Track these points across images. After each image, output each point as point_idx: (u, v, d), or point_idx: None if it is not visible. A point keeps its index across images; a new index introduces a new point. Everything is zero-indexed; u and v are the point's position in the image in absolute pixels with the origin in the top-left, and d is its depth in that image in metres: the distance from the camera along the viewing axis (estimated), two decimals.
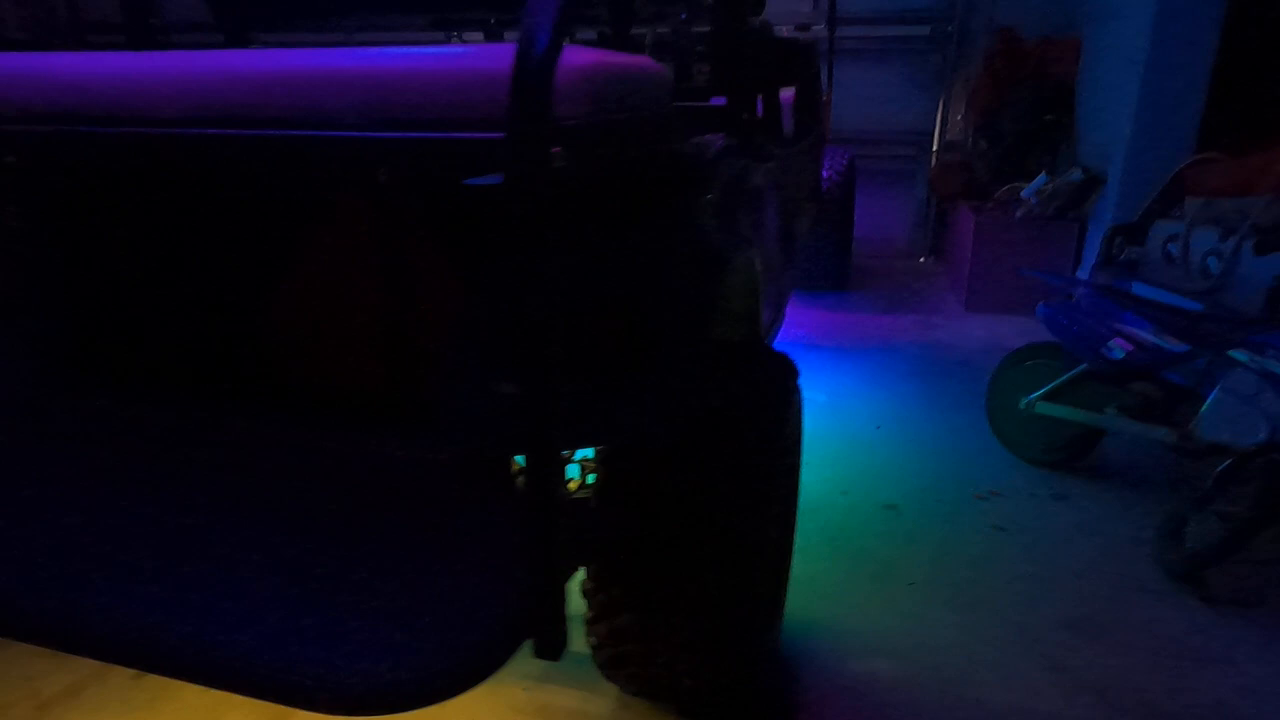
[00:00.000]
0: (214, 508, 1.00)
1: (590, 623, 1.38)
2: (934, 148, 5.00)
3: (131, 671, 1.58)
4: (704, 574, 1.29)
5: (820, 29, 4.34)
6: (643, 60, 1.27)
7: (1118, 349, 2.24)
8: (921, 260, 5.20)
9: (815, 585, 1.99)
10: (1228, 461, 2.02)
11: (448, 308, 1.15)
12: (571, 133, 0.95)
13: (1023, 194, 3.77)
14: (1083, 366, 2.37)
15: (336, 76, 0.95)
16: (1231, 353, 2.06)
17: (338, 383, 1.22)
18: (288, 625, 0.78)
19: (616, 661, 1.40)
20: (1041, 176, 3.78)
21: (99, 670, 1.65)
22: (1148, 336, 2.20)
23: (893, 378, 3.28)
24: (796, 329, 3.87)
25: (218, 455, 1.12)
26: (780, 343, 3.61)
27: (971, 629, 1.85)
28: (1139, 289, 2.49)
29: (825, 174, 4.02)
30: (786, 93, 2.73)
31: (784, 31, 4.42)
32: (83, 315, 1.34)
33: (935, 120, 4.97)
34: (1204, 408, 2.09)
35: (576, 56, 1.00)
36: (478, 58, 0.94)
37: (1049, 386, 2.46)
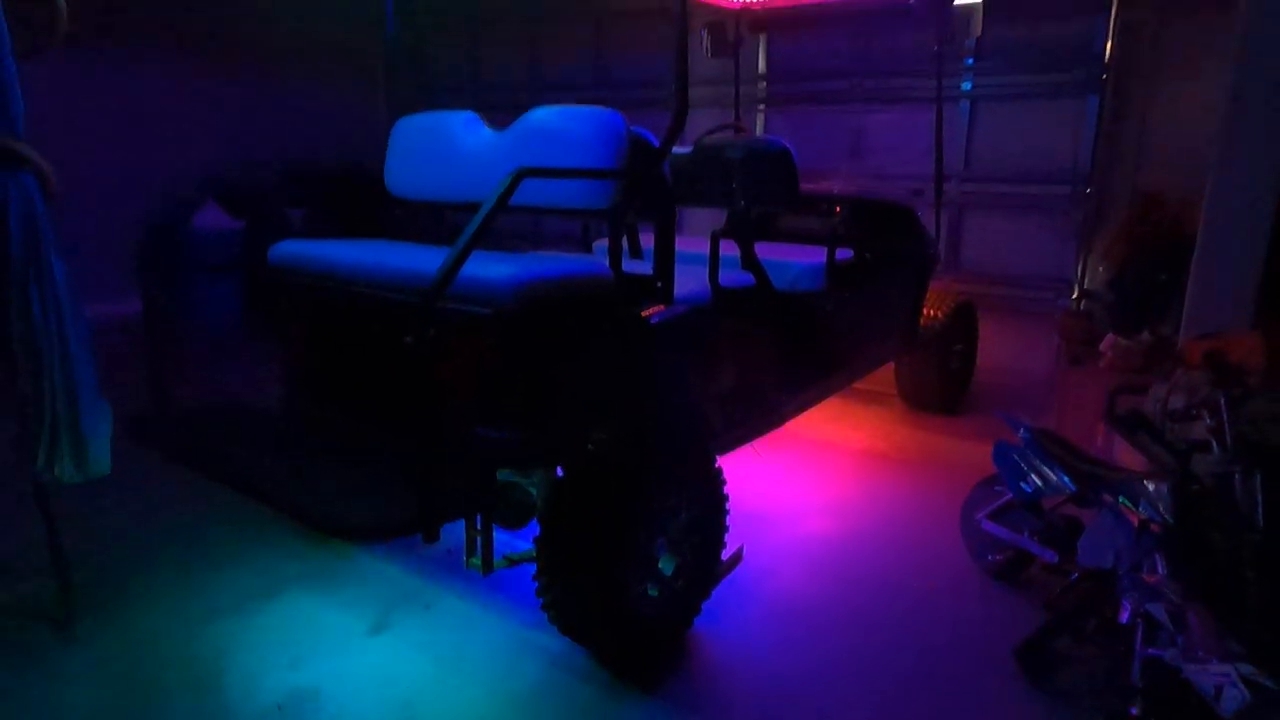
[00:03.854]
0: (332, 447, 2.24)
1: (535, 576, 2.39)
2: (1073, 295, 5.33)
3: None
4: (584, 557, 2.27)
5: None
6: (590, 267, 2.35)
7: (1030, 483, 2.79)
8: None
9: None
10: (1073, 577, 2.53)
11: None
12: (504, 313, 2.05)
13: (1100, 347, 4.13)
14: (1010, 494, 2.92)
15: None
16: (1102, 495, 2.56)
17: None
18: (327, 490, 1.94)
19: (544, 603, 2.39)
20: (1110, 335, 4.12)
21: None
22: (1051, 476, 2.73)
23: (924, 490, 3.86)
24: (879, 441, 4.52)
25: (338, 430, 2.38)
26: (839, 453, 4.33)
27: (819, 646, 2.56)
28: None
29: (928, 313, 4.67)
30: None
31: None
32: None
33: (1073, 269, 5.33)
34: (1080, 539, 2.61)
35: (516, 270, 2.10)
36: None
37: (991, 507, 3.02)
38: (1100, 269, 5.31)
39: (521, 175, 1.95)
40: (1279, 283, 3.55)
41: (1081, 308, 5.21)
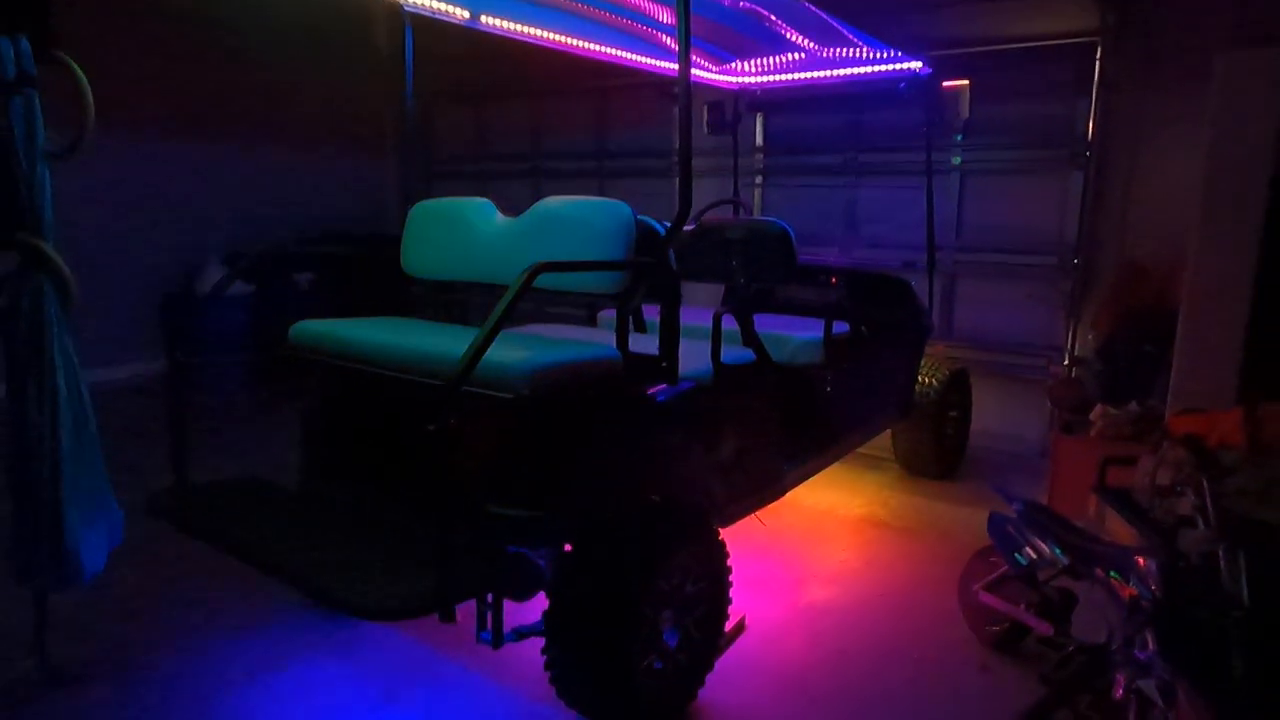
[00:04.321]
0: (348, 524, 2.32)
1: (544, 650, 2.45)
2: (1064, 362, 5.47)
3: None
4: (591, 631, 2.33)
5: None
6: (599, 351, 2.46)
7: (1025, 556, 2.87)
8: None
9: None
10: (1069, 649, 2.60)
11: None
12: (524, 399, 2.15)
13: (1090, 417, 4.24)
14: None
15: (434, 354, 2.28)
16: (1095, 569, 2.64)
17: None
18: (344, 568, 2.02)
19: (551, 675, 2.45)
20: (1099, 405, 4.24)
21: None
22: (1045, 548, 2.81)
23: (923, 558, 3.93)
24: (877, 508, 4.59)
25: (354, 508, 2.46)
26: (838, 520, 4.40)
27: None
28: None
29: (923, 381, 4.79)
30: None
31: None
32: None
33: (1063, 336, 5.47)
34: (1073, 613, 2.68)
35: (531, 355, 2.22)
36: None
37: (988, 579, 3.09)
38: (1090, 337, 5.45)
39: (539, 270, 2.08)
40: (1261, 358, 3.68)
41: (1073, 375, 5.33)
